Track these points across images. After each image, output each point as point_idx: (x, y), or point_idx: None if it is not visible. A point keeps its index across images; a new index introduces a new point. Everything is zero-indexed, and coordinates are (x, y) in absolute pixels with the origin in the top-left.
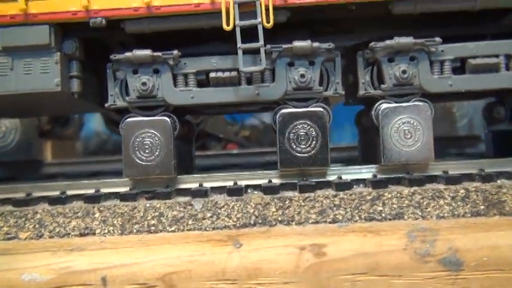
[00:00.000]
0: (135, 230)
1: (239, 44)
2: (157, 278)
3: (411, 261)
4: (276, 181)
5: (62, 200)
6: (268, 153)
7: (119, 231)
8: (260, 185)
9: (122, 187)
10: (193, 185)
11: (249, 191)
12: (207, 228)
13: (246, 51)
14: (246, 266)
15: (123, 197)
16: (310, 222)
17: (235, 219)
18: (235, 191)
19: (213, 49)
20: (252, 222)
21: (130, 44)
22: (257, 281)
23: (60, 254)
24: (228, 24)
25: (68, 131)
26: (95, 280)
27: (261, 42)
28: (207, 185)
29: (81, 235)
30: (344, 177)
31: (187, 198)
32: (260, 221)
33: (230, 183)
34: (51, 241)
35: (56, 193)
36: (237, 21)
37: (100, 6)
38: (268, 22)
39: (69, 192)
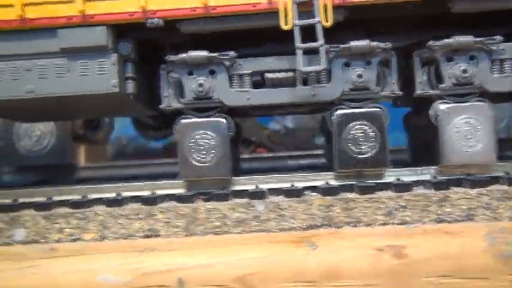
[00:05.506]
0: (199, 232)
1: (298, 44)
2: (234, 279)
3: (496, 264)
4: (334, 183)
5: (118, 201)
6: (300, 157)
7: (184, 233)
8: (316, 186)
9: (176, 189)
10: (249, 187)
11: (305, 193)
12: (273, 230)
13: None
14: (324, 267)
15: (180, 199)
16: (377, 224)
17: (300, 221)
18: (293, 193)
19: (266, 49)
20: (318, 223)
21: (181, 45)
22: (336, 282)
23: (131, 255)
24: (286, 24)
25: (98, 135)
26: (170, 281)
27: (321, 41)
28: (263, 186)
29: (146, 236)
30: (402, 178)
31: (245, 200)
32: (326, 223)
33: (287, 185)
34: (120, 242)
35: (112, 195)
36: (296, 21)
37: (157, 6)
38: (326, 21)
39: (125, 194)
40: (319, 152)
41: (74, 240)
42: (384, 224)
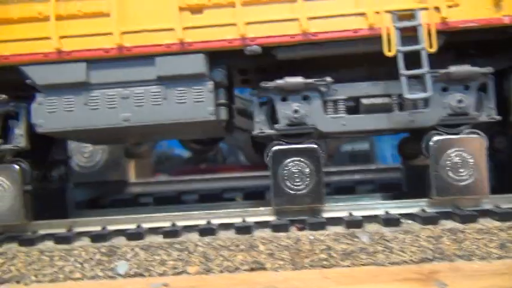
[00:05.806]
0: (307, 265)
1: (402, 71)
2: None
3: None
4: (430, 210)
5: (211, 230)
6: (350, 172)
7: (291, 266)
8: (412, 213)
9: (266, 216)
10: (342, 214)
11: (401, 220)
12: (385, 264)
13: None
14: None
15: (274, 228)
16: (493, 257)
17: (410, 254)
18: (391, 221)
19: (354, 74)
20: (429, 257)
21: (264, 68)
22: None
23: None
24: (389, 50)
25: (140, 150)
26: None
27: (426, 68)
28: (356, 213)
29: (252, 270)
30: (501, 205)
31: (346, 230)
32: (438, 256)
33: (380, 212)
34: (232, 277)
35: (203, 222)
36: (399, 47)
37: (256, 33)
38: (430, 47)
39: (214, 221)
40: (372, 167)
41: (179, 273)
42: (500, 258)
